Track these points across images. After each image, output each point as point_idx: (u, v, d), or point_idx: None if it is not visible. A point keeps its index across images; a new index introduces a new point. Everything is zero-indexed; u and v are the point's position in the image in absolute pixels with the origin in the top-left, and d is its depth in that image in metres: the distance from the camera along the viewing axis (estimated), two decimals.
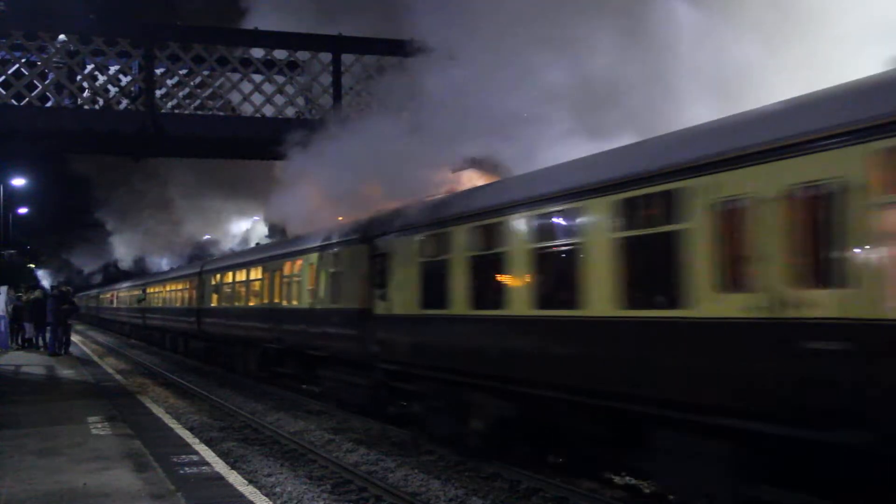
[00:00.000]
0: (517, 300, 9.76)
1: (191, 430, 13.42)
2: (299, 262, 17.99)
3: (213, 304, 26.72)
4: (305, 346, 17.35)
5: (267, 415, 16.62)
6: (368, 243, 13.95)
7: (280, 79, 17.52)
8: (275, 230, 32.98)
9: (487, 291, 10.55)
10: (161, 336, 37.73)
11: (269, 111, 17.32)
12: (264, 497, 8.60)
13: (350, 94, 17.76)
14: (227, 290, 25.30)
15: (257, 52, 17.44)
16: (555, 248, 9.36)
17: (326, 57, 17.68)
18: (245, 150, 19.47)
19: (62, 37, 16.29)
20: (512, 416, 10.39)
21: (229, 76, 17.33)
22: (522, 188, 10.20)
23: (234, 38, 17.83)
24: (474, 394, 10.97)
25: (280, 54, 17.50)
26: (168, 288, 36.10)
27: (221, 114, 17.24)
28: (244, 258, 23.94)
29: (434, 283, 11.66)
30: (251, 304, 22.16)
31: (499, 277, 10.16)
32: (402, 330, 12.78)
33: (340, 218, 18.47)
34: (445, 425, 11.88)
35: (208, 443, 12.44)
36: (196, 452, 10.68)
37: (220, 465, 9.96)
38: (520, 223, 9.81)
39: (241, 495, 8.39)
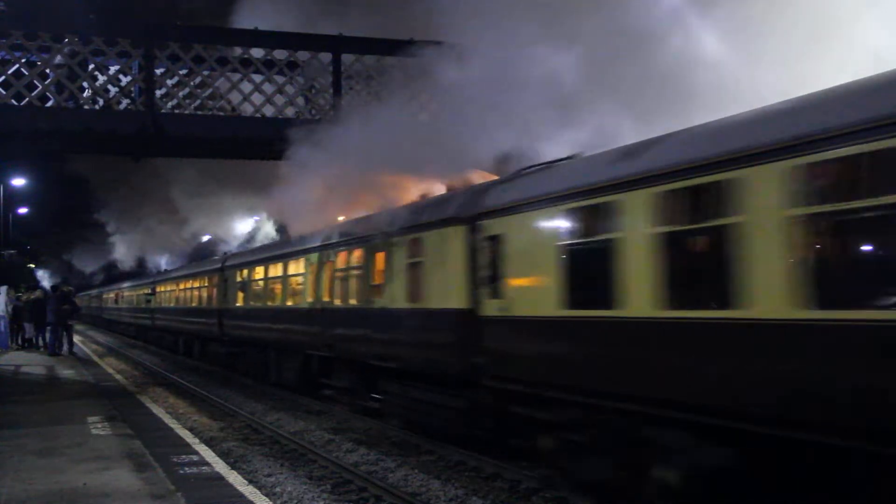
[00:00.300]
0: (766, 295, 6.54)
1: (191, 430, 13.43)
2: (359, 252, 14.68)
3: (238, 304, 23.29)
4: (367, 355, 13.98)
5: (267, 415, 16.62)
6: (469, 224, 10.91)
7: (280, 79, 17.53)
8: (284, 229, 31.24)
9: (699, 282, 7.47)
10: (173, 338, 34.73)
11: (269, 111, 17.33)
12: (264, 497, 8.60)
13: (350, 94, 17.76)
14: (256, 286, 21.85)
15: (257, 52, 17.45)
16: (849, 212, 6.02)
17: (326, 57, 17.69)
18: (245, 150, 19.47)
19: (66, 40, 16.30)
20: (731, 466, 7.16)
21: (229, 76, 17.34)
22: (781, 123, 6.66)
23: (234, 38, 17.83)
24: (661, 431, 7.74)
25: (280, 54, 17.50)
26: (182, 286, 32.65)
27: (221, 114, 17.25)
28: (281, 250, 20.23)
29: (588, 274, 8.64)
30: (290, 303, 18.72)
31: (726, 261, 6.85)
32: (528, 337, 9.77)
33: (341, 218, 18.40)
34: (602, 468, 8.71)
35: (208, 443, 12.44)
36: (196, 452, 10.69)
37: (220, 465, 9.97)
38: (767, 178, 6.51)
39: (241, 495, 8.40)
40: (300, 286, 18.03)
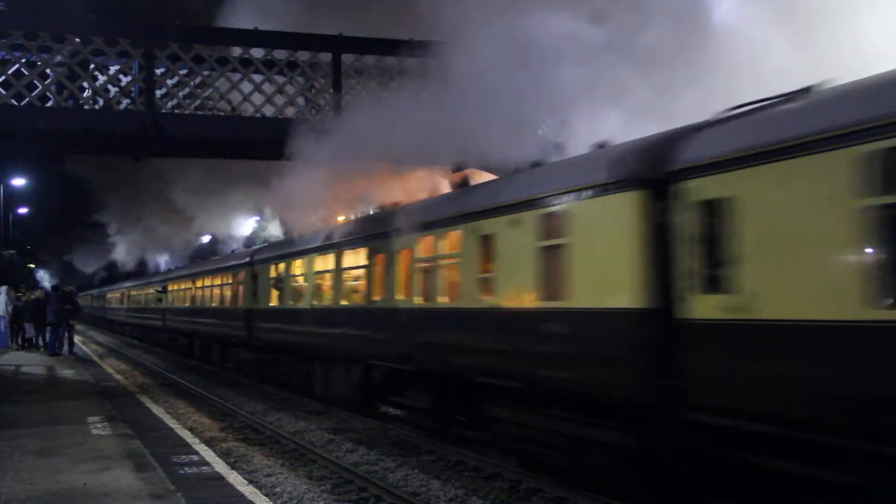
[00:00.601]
0: None
1: (191, 430, 13.44)
2: (454, 235, 11.67)
3: (272, 304, 20.22)
4: (467, 370, 11.09)
5: (267, 415, 16.62)
6: (653, 188, 8.02)
7: (280, 79, 17.54)
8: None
9: None
10: (188, 342, 31.70)
11: (269, 111, 17.34)
12: (264, 497, 8.61)
13: (350, 94, 17.75)
14: (297, 283, 18.79)
15: (257, 52, 17.45)
16: None
17: (326, 57, 17.70)
18: (245, 150, 19.47)
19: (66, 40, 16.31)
20: None
21: (229, 76, 17.34)
22: None
23: (234, 38, 17.84)
24: None
25: (280, 54, 17.51)
26: (200, 284, 29.61)
27: (221, 114, 17.25)
28: (332, 238, 16.66)
29: None
30: (345, 302, 15.66)
31: None
32: (793, 351, 6.58)
33: (341, 218, 18.32)
34: None
35: (208, 443, 12.44)
36: (196, 452, 10.69)
37: (220, 465, 9.98)
38: None
39: (241, 495, 8.40)
40: (360, 282, 15.05)
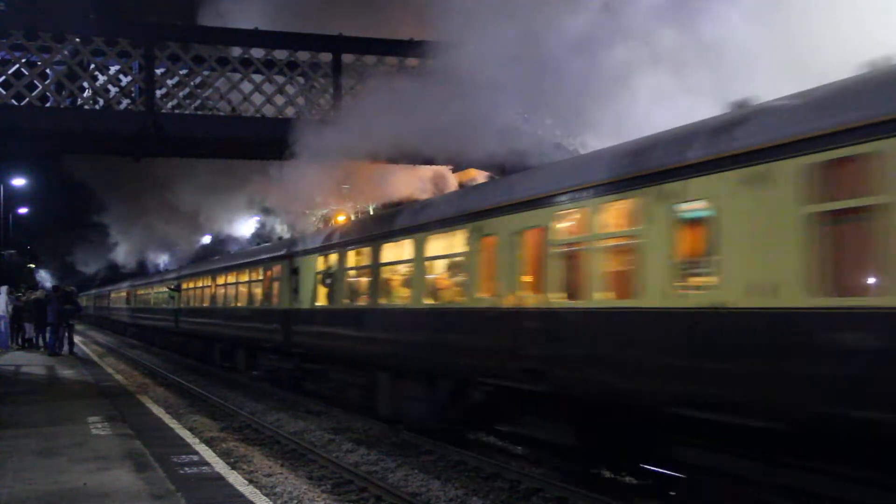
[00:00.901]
0: None
1: (191, 430, 13.42)
2: (619, 206, 8.56)
3: (319, 303, 17.00)
4: (655, 397, 7.93)
5: (267, 415, 16.62)
6: None
7: (280, 79, 17.54)
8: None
9: None
10: (205, 346, 28.75)
11: (269, 111, 17.34)
12: (264, 497, 8.60)
13: (350, 94, 17.75)
14: (355, 277, 15.49)
15: (257, 52, 17.46)
16: None
17: (326, 57, 17.70)
18: (245, 150, 19.47)
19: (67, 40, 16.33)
20: None
21: (229, 76, 17.35)
22: None
23: (234, 38, 17.84)
24: None
25: (280, 54, 17.51)
26: (221, 281, 26.48)
27: (222, 114, 17.26)
28: (413, 220, 13.25)
29: None
30: (430, 301, 12.48)
31: None
32: None
33: (342, 218, 18.27)
34: None
35: (208, 443, 12.44)
36: (196, 452, 10.67)
37: (220, 465, 9.96)
38: None
39: (241, 495, 8.39)
40: (456, 274, 12.02)
